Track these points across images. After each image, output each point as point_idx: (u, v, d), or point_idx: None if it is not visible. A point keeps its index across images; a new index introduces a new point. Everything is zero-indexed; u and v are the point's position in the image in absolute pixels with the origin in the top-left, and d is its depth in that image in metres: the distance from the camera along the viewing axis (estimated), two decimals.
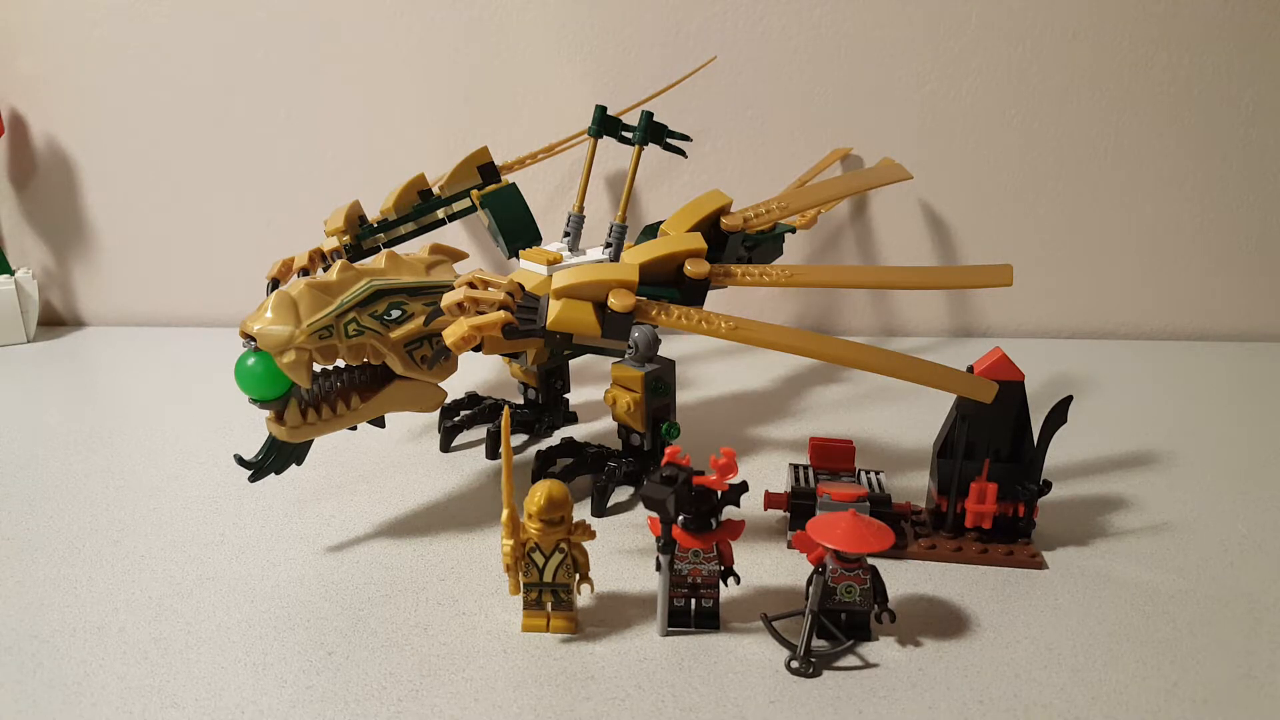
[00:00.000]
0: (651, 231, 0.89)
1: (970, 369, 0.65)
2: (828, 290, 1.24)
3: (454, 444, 0.87)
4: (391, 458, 0.85)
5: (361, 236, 0.90)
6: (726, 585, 0.59)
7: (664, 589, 0.57)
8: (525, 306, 0.66)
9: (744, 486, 0.57)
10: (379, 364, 0.69)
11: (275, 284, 0.87)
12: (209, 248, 1.28)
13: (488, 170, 0.94)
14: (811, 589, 0.56)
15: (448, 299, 0.65)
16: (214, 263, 1.28)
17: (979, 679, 0.54)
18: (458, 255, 0.75)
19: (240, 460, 0.69)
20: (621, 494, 0.77)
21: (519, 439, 0.89)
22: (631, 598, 0.62)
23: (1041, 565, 0.65)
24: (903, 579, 0.64)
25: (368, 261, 0.71)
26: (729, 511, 0.59)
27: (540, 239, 0.90)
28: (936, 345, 1.20)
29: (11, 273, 1.23)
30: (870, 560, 0.57)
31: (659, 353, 0.73)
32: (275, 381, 0.64)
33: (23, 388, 1.06)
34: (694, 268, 0.70)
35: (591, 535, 0.58)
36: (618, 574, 0.65)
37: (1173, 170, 1.15)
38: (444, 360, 0.70)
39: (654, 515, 0.56)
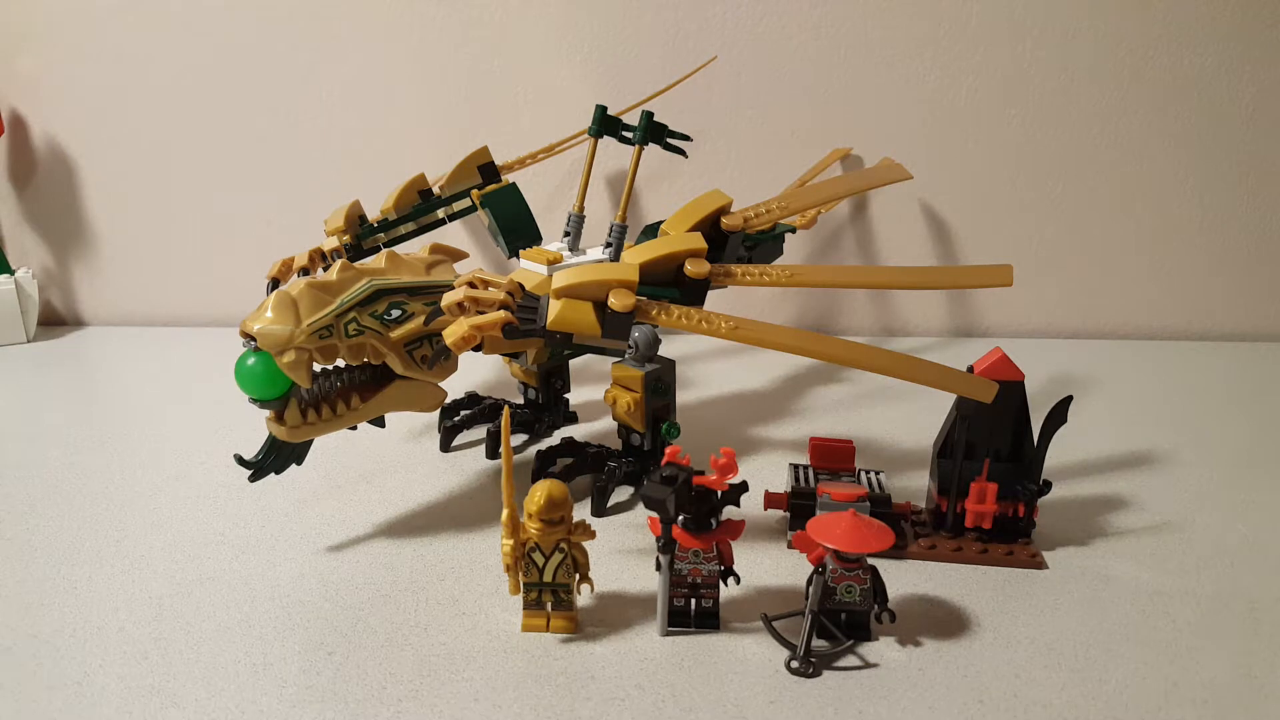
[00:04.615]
0: (651, 231, 0.89)
1: (970, 369, 0.65)
2: (828, 290, 1.24)
3: (454, 444, 0.87)
4: (391, 458, 0.85)
5: (361, 236, 0.90)
6: (726, 585, 0.59)
7: (664, 589, 0.57)
8: (525, 306, 0.66)
9: (744, 486, 0.57)
10: (379, 364, 0.69)
11: (275, 284, 0.87)
12: (209, 248, 1.28)
13: (488, 170, 0.94)
14: (811, 589, 0.56)
15: (448, 299, 0.65)
16: (214, 263, 1.28)
17: (979, 679, 0.54)
18: (458, 255, 0.75)
19: (240, 460, 0.69)
20: (621, 494, 0.77)
21: (519, 439, 0.89)
22: (631, 598, 0.62)
23: (1041, 565, 0.65)
24: (903, 579, 0.64)
25: (368, 261, 0.71)
26: (729, 511, 0.59)
27: (540, 239, 0.90)
28: (936, 345, 1.20)
29: (11, 273, 1.23)
30: (870, 560, 0.57)
31: (659, 353, 0.73)
32: (275, 381, 0.64)
33: (23, 388, 1.06)
34: (694, 268, 0.70)
35: (591, 535, 0.58)
36: (618, 574, 0.65)
37: (1173, 170, 1.15)
38: (444, 360, 0.70)
39: (654, 515, 0.56)
